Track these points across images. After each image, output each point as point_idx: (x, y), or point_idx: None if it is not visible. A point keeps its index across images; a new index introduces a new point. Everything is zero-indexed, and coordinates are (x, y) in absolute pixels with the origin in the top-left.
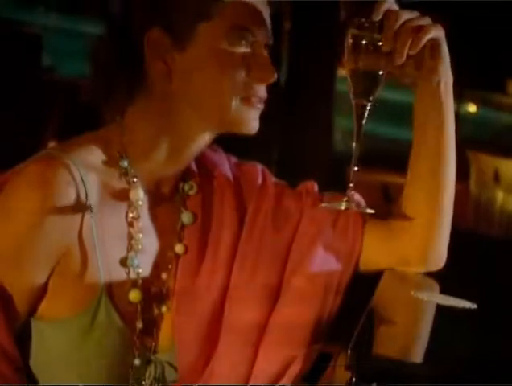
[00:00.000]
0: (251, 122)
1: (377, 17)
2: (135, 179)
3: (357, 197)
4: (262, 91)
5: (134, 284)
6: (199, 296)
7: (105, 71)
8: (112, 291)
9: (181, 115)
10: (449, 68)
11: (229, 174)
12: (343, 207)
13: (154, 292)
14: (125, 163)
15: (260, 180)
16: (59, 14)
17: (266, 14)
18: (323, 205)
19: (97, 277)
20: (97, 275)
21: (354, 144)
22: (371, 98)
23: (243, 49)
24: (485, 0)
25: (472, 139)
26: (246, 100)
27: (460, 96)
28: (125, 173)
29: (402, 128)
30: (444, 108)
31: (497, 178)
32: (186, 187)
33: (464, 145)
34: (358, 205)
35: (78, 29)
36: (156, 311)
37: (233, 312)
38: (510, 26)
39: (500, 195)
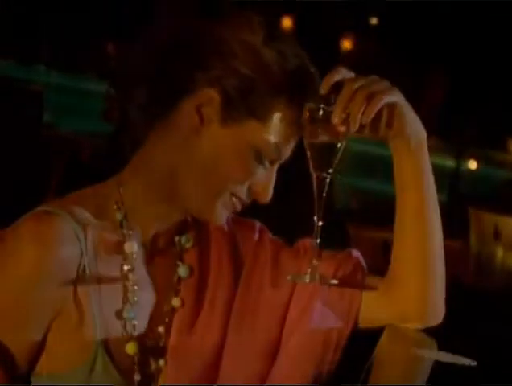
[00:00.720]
0: (223, 219)
1: (324, 91)
2: (131, 232)
3: (356, 253)
4: (248, 199)
5: (130, 336)
6: (194, 351)
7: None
8: (108, 344)
9: (183, 178)
10: (417, 124)
11: (226, 228)
12: (307, 281)
13: (151, 345)
14: (120, 215)
15: (257, 236)
16: (59, 72)
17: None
18: (288, 278)
19: (93, 331)
20: (94, 328)
21: (316, 216)
22: (330, 170)
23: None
24: (485, 59)
25: (472, 196)
26: (231, 201)
27: (460, 154)
28: (120, 225)
29: None
30: (419, 163)
31: (497, 234)
32: (182, 240)
33: (464, 202)
34: (323, 278)
35: (78, 87)
36: (154, 365)
37: (229, 368)
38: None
39: (500, 252)
